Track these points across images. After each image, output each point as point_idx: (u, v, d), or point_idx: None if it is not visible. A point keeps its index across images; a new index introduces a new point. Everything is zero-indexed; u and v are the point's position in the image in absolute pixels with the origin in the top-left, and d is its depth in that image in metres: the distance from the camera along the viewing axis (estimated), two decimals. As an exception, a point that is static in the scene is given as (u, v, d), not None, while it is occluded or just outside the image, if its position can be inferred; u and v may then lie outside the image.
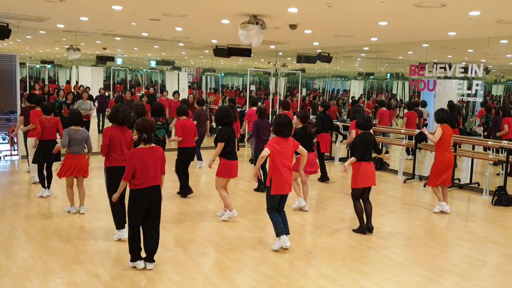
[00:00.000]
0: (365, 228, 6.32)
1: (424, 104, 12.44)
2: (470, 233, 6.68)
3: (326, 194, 8.70)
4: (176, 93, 13.97)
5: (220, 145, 6.55)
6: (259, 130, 8.37)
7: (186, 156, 7.91)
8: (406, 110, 12.97)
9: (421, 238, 6.35)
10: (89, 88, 15.06)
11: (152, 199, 4.82)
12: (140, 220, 4.83)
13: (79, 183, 6.89)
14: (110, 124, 5.80)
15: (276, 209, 5.62)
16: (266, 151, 5.42)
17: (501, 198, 8.18)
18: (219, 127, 7.04)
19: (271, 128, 5.75)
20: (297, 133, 7.00)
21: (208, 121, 10.66)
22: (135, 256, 4.91)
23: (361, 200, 6.38)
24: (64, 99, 11.99)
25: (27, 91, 15.92)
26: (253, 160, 11.11)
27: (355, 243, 6.04)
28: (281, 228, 5.57)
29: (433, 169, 7.52)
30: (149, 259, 4.95)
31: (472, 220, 7.39)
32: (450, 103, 11.70)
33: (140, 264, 4.92)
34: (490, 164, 8.79)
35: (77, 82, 17.62)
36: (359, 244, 6.04)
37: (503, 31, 9.84)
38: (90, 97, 13.30)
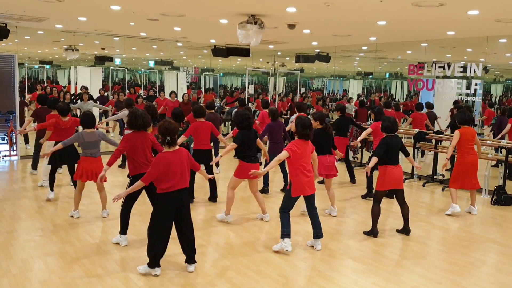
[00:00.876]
0: (376, 231, 6.25)
1: (430, 106, 12.03)
2: (469, 233, 6.68)
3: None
4: (172, 93, 13.89)
5: (232, 146, 6.47)
6: (271, 132, 8.13)
7: (200, 159, 7.42)
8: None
9: (420, 238, 6.35)
10: (87, 88, 15.04)
11: (181, 202, 4.74)
12: (168, 224, 4.74)
13: (99, 187, 6.63)
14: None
15: (289, 211, 5.55)
16: (284, 154, 5.36)
17: (500, 197, 8.18)
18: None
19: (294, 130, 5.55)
20: (316, 135, 6.71)
21: (220, 125, 10.15)
22: (156, 262, 4.79)
23: (393, 203, 6.40)
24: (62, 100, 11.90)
25: (27, 92, 15.93)
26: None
27: (355, 243, 6.04)
28: (287, 231, 5.52)
29: (454, 172, 7.48)
30: (191, 260, 4.95)
31: (471, 220, 7.39)
32: (456, 104, 11.47)
33: (158, 271, 4.82)
34: (489, 163, 8.80)
35: (76, 83, 17.59)
36: (358, 243, 6.04)
37: (502, 30, 9.85)
38: (91, 98, 13.28)
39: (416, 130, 10.21)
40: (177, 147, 4.76)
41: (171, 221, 4.76)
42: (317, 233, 5.71)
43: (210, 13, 9.24)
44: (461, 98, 11.51)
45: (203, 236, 6.12)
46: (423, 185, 9.44)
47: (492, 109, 13.37)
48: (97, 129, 6.72)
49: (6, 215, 6.77)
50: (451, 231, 6.72)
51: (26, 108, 12.09)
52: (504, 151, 8.58)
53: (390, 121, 6.24)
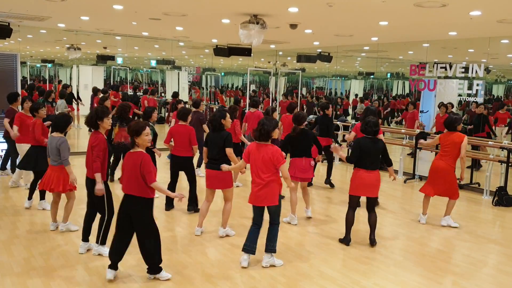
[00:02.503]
0: (349, 239, 5.94)
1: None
2: (470, 233, 6.68)
3: (328, 195, 8.71)
4: (155, 92, 13.96)
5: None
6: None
7: (173, 165, 7.22)
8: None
9: (421, 238, 6.36)
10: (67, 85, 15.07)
11: (126, 209, 4.59)
12: (118, 223, 4.64)
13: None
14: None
15: (253, 223, 5.26)
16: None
17: (501, 198, 8.18)
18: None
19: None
20: (292, 137, 6.73)
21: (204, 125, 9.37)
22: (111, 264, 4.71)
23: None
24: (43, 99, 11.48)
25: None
26: None
27: (355, 243, 6.05)
28: (245, 245, 5.18)
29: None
30: (148, 270, 4.76)
31: (473, 220, 7.40)
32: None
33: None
34: (490, 164, 8.80)
35: (78, 82, 17.59)
36: (359, 244, 6.04)
37: (504, 31, 9.83)
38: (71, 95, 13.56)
39: (418, 131, 10.21)
40: (137, 149, 4.52)
41: (121, 221, 4.60)
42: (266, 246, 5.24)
43: (212, 13, 9.25)
44: (463, 98, 11.50)
45: (203, 236, 6.13)
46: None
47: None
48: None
49: (8, 213, 6.79)
50: (452, 232, 6.72)
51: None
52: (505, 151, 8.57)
53: (366, 123, 5.83)
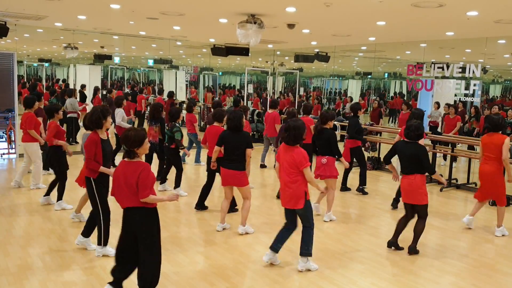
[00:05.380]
0: (391, 242, 5.87)
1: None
2: (467, 233, 6.70)
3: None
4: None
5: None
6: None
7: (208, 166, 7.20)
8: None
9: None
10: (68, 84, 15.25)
11: (127, 222, 4.15)
12: (121, 234, 4.21)
13: None
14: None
15: (284, 223, 5.31)
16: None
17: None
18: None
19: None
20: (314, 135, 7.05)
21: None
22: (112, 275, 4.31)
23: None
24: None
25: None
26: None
27: (353, 243, 6.05)
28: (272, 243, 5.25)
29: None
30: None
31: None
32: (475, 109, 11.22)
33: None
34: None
35: (75, 81, 17.58)
36: (357, 244, 6.05)
37: (501, 31, 9.86)
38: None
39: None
40: (137, 159, 4.07)
41: (125, 240, 4.19)
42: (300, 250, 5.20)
43: (210, 13, 9.24)
44: (460, 98, 11.53)
45: (201, 235, 6.13)
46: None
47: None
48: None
49: (5, 212, 6.77)
50: (449, 232, 6.73)
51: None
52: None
53: (407, 127, 5.66)
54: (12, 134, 10.76)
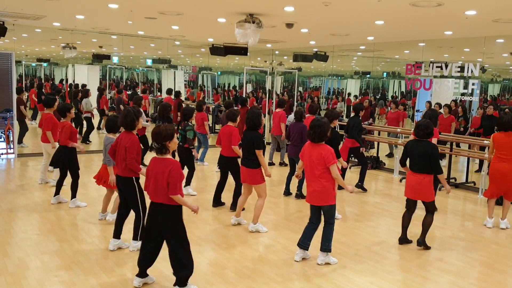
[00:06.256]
0: (402, 238, 6.06)
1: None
2: (466, 232, 6.71)
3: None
4: (171, 91, 14.23)
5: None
6: (290, 133, 8.10)
7: (221, 164, 7.45)
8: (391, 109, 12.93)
9: (417, 237, 6.35)
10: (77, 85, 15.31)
11: (153, 217, 4.36)
12: (147, 230, 4.45)
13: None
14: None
15: (310, 220, 5.39)
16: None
17: (500, 197, 8.17)
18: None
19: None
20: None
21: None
22: (139, 265, 4.55)
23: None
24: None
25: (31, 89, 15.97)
26: (282, 164, 10.97)
27: (351, 242, 6.06)
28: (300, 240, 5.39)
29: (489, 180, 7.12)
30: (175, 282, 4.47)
31: (468, 219, 7.42)
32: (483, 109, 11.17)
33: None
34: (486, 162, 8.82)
35: (74, 81, 17.56)
36: (355, 243, 6.06)
37: (500, 30, 9.86)
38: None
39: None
40: (167, 155, 4.25)
41: (150, 230, 4.41)
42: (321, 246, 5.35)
43: (208, 12, 9.23)
44: (458, 98, 11.52)
45: (200, 235, 6.12)
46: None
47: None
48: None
49: (3, 213, 6.76)
50: (449, 231, 6.74)
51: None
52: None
53: (416, 126, 5.85)
54: (11, 134, 10.75)
